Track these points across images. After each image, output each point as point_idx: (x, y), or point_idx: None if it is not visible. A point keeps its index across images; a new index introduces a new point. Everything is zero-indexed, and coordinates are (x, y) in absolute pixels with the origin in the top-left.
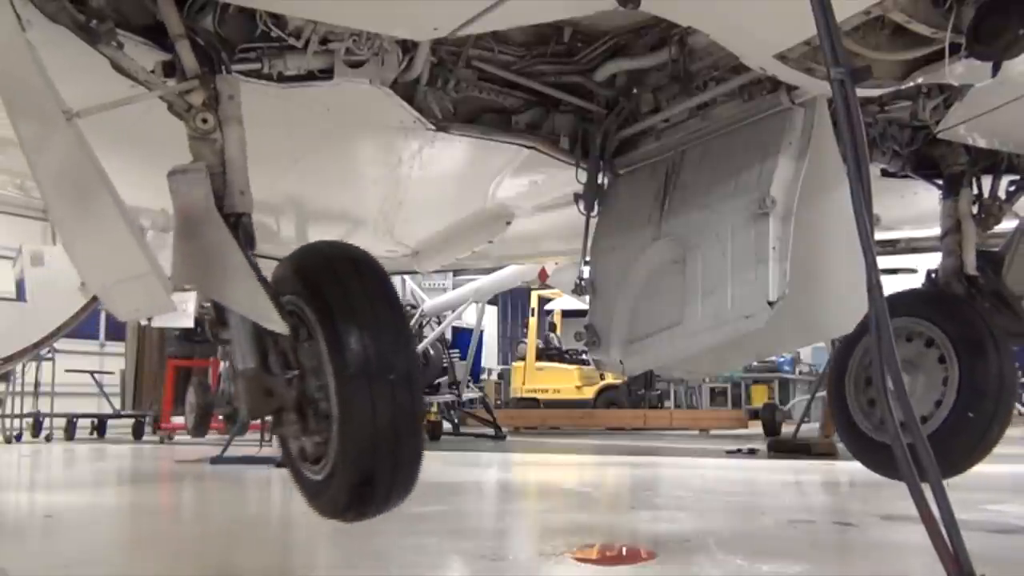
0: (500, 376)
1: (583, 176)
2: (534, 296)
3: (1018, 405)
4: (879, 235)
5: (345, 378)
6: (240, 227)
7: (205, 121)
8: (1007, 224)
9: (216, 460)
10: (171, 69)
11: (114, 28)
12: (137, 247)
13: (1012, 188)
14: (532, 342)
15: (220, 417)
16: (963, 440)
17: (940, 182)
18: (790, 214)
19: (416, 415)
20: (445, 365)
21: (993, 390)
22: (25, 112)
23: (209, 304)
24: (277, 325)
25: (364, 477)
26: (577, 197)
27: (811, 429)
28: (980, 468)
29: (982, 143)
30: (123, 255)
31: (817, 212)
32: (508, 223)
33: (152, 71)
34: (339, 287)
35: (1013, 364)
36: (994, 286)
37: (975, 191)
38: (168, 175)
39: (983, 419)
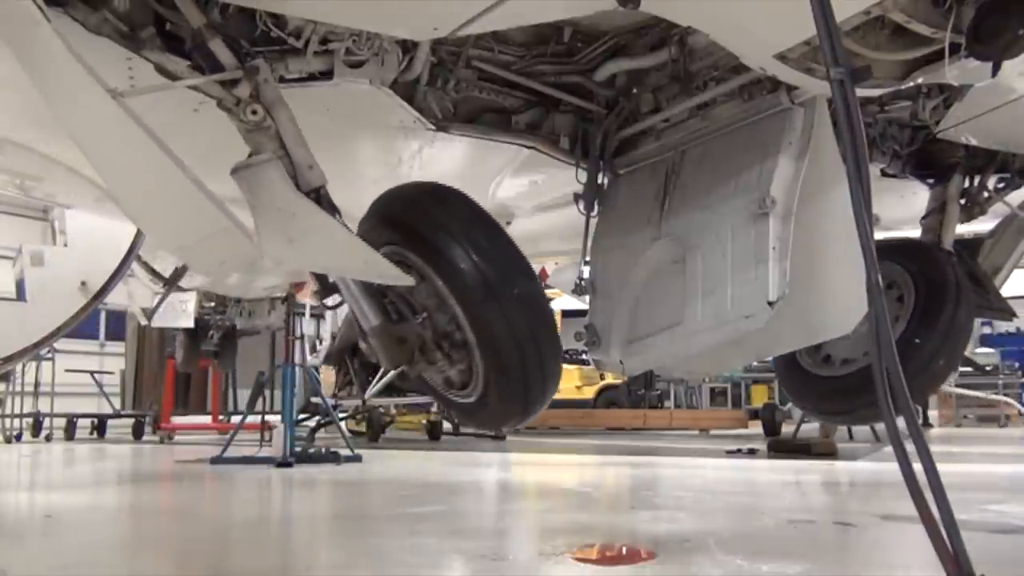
0: None
1: (583, 176)
2: None
3: (1018, 405)
4: (879, 235)
5: (472, 304)
6: (323, 199)
7: (255, 112)
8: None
9: (216, 460)
10: (198, 69)
11: (156, 33)
12: (212, 204)
13: (1001, 184)
14: None
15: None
16: (907, 366)
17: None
18: (790, 214)
19: (548, 314)
20: None
21: (943, 326)
22: (70, 102)
23: (314, 277)
24: (400, 279)
25: (518, 385)
26: (577, 197)
27: (811, 429)
28: (980, 468)
29: (981, 143)
30: (200, 214)
31: (817, 212)
32: (508, 223)
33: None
34: (431, 222)
35: (970, 312)
36: (968, 267)
37: (965, 183)
38: (233, 173)
39: (929, 349)
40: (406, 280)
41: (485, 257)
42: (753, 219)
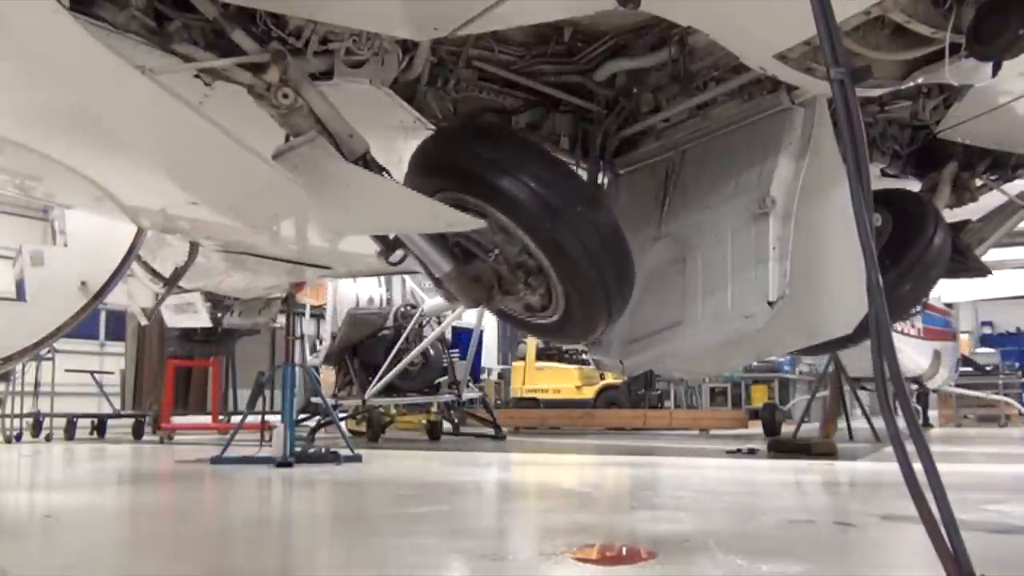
0: (500, 376)
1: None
2: None
3: (1018, 405)
4: None
5: (539, 230)
6: (371, 163)
7: (286, 96)
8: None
9: (216, 460)
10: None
11: (183, 26)
12: (255, 159)
13: (994, 176)
14: (532, 342)
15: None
16: None
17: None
18: (790, 214)
19: (612, 220)
20: (445, 365)
21: (915, 253)
22: (99, 84)
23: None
24: (471, 222)
25: (600, 295)
26: None
27: (811, 429)
28: (980, 468)
29: (981, 143)
30: (245, 171)
31: (817, 212)
32: None
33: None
34: (481, 160)
35: (943, 248)
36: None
37: (958, 171)
38: (276, 157)
39: (897, 273)
40: (477, 223)
41: (542, 182)
42: (753, 219)
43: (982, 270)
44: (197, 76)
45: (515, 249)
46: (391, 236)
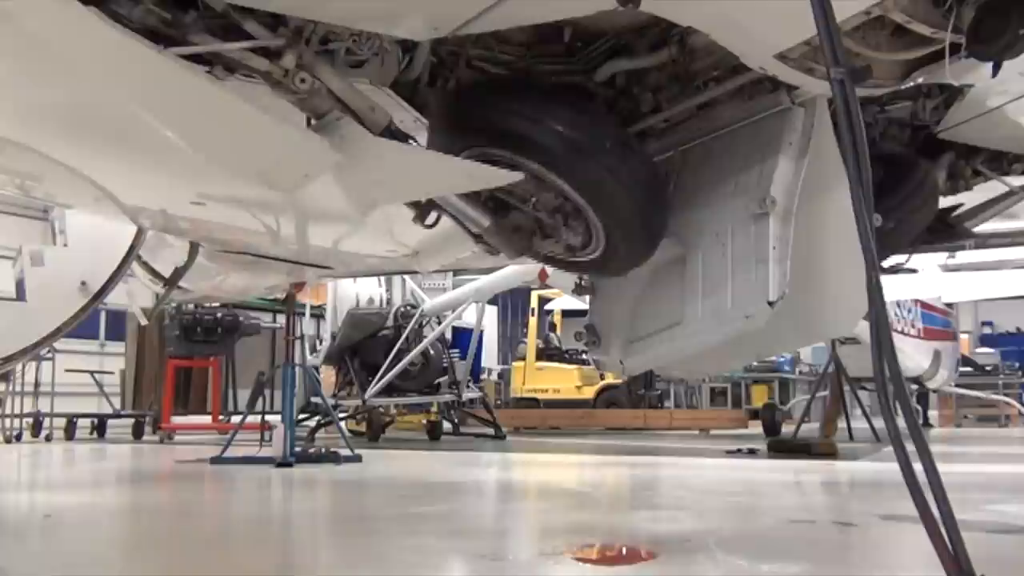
0: (500, 376)
1: None
2: (534, 296)
3: (1018, 405)
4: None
5: (572, 172)
6: (397, 133)
7: (303, 80)
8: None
9: (216, 460)
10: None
11: (199, 17)
12: (277, 125)
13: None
14: (532, 342)
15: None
16: None
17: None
18: (790, 214)
19: (641, 152)
20: (445, 365)
21: (902, 194)
22: (121, 67)
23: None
24: (508, 176)
25: (639, 226)
26: None
27: (811, 429)
28: (980, 468)
29: (981, 144)
30: (270, 136)
31: (817, 212)
32: None
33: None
34: (503, 112)
35: (932, 195)
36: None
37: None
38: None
39: (881, 210)
40: (513, 176)
41: (567, 124)
42: (753, 219)
43: (967, 235)
44: (209, 72)
45: (551, 194)
46: (423, 200)
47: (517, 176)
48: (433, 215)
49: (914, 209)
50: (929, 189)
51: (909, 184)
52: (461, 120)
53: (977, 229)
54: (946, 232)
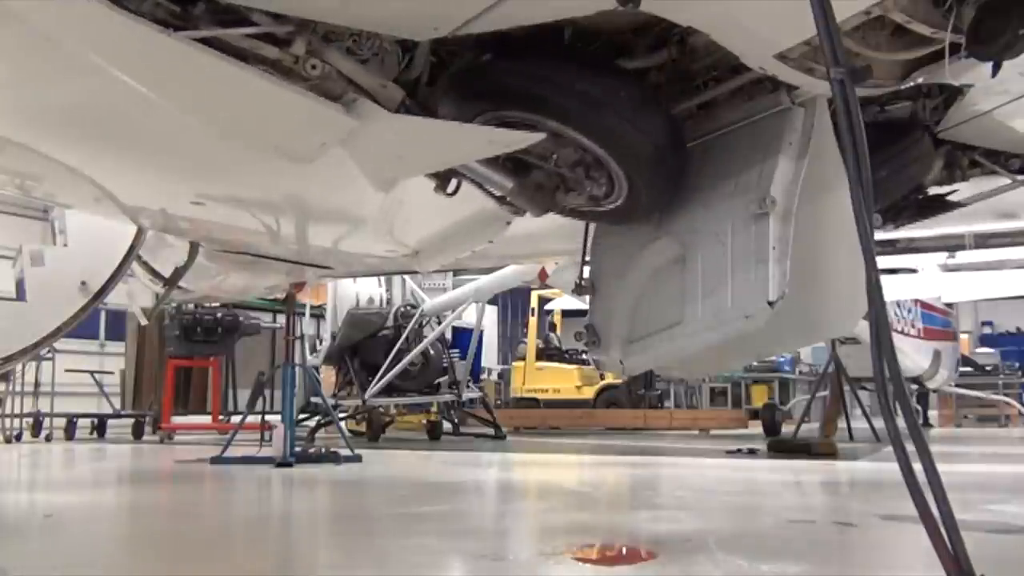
0: (500, 376)
1: None
2: (534, 296)
3: (1018, 405)
4: (879, 235)
5: (589, 125)
6: (412, 107)
7: (314, 67)
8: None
9: (216, 460)
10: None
11: (207, 10)
12: (288, 91)
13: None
14: (532, 342)
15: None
16: None
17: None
18: (790, 214)
19: (656, 98)
20: (445, 365)
21: (890, 153)
22: (133, 53)
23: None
24: (528, 138)
25: (659, 171)
26: None
27: (811, 429)
28: (980, 468)
29: (981, 144)
30: (280, 106)
31: (817, 212)
32: (508, 223)
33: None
34: (513, 73)
35: (924, 158)
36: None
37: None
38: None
39: (880, 158)
40: (534, 137)
41: (578, 77)
42: (753, 219)
43: (953, 206)
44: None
45: (570, 149)
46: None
47: (538, 137)
48: (454, 182)
49: (906, 162)
50: (925, 148)
51: (904, 141)
52: (470, 86)
53: (977, 229)
54: (935, 206)
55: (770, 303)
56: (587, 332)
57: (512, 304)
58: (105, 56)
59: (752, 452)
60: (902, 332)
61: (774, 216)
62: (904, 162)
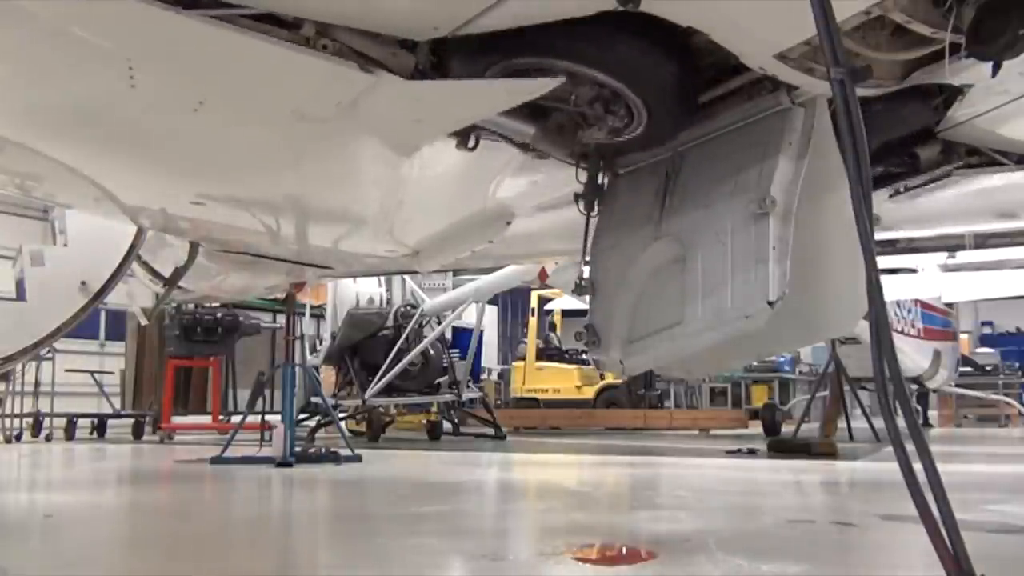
0: (500, 376)
1: (583, 176)
2: (534, 296)
3: (1018, 405)
4: (879, 235)
5: (600, 59)
6: (425, 71)
7: (325, 46)
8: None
9: (216, 460)
10: None
11: (211, 4)
12: (305, 55)
13: None
14: (532, 342)
15: None
16: None
17: None
18: (790, 214)
19: (663, 24)
20: (445, 365)
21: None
22: (143, 33)
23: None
24: (546, 84)
25: (674, 92)
26: (577, 197)
27: (811, 429)
28: (980, 468)
29: (981, 144)
30: (300, 69)
31: (817, 212)
32: (508, 223)
33: None
34: (542, 31)
35: (911, 111)
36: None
37: None
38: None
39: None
40: (554, 82)
41: (585, 28)
42: (753, 219)
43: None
44: None
45: (586, 87)
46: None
47: (556, 82)
48: (473, 138)
49: (894, 120)
50: (912, 108)
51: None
52: (478, 39)
53: (977, 229)
54: (909, 167)
55: (770, 303)
56: (587, 332)
57: (512, 304)
58: (113, 40)
59: (752, 452)
60: (902, 332)
61: (774, 216)
62: (891, 119)
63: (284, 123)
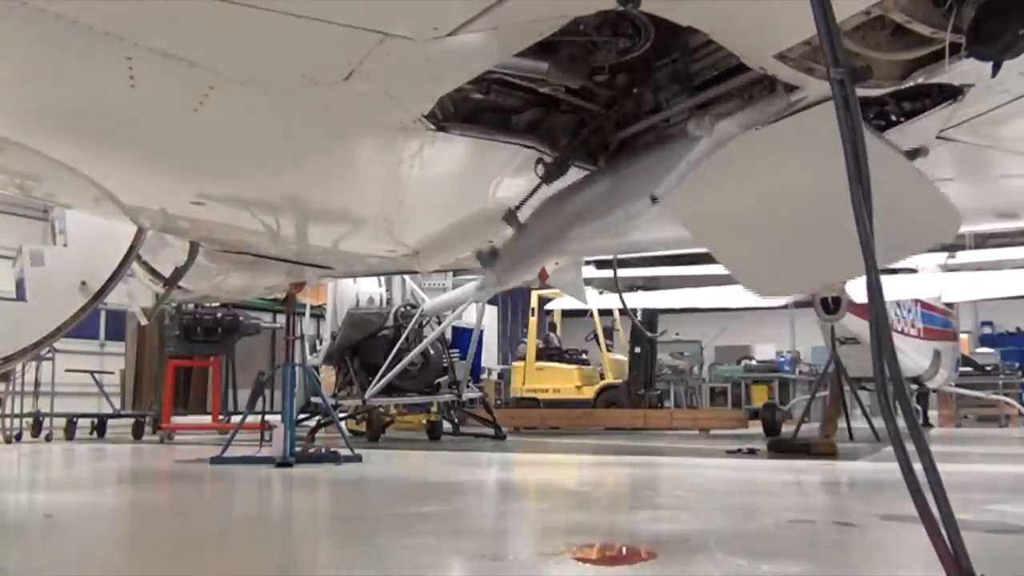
0: (500, 376)
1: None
2: (534, 296)
3: (1018, 405)
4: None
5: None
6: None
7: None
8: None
9: (216, 460)
10: None
11: None
12: (311, 22)
13: None
14: (532, 342)
15: None
16: None
17: None
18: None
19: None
20: (445, 365)
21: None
22: (151, 16)
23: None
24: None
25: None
26: (539, 162)
27: (811, 429)
28: (980, 468)
29: (982, 143)
30: (305, 29)
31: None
32: None
33: None
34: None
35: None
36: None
37: None
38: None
39: None
40: (562, 20)
41: None
42: None
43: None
44: None
45: (592, 13)
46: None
47: (566, 20)
48: (484, 84)
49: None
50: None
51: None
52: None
53: (977, 229)
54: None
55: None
56: (488, 253)
57: (512, 304)
58: (129, 29)
59: (752, 452)
60: (902, 332)
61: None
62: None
63: (291, 102)
